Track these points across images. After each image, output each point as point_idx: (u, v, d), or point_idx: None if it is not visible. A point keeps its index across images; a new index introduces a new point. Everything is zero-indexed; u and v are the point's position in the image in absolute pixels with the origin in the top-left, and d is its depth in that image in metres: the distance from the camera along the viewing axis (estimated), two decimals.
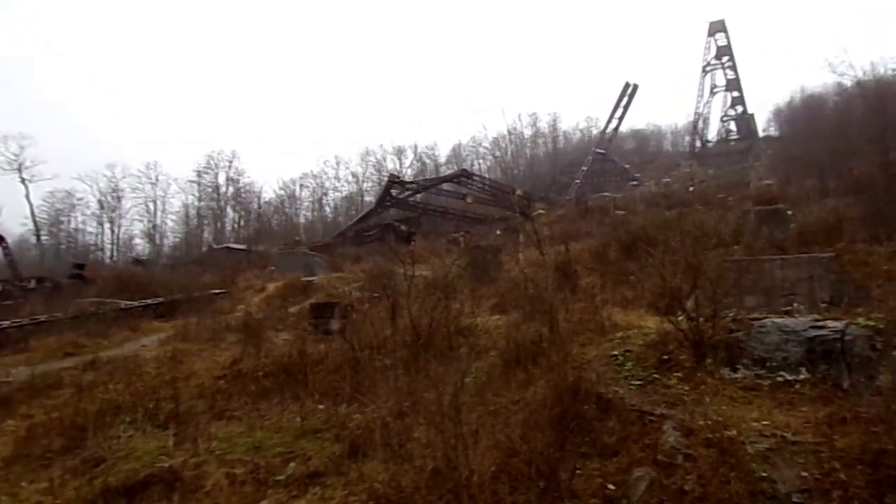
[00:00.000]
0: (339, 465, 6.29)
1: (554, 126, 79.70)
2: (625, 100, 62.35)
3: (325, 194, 70.44)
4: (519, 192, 41.45)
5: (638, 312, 9.59)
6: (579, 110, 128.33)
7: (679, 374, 6.41)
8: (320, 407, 8.12)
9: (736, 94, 63.64)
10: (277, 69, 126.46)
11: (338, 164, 69.98)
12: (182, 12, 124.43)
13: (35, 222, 54.22)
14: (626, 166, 62.72)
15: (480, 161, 75.26)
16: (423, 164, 72.47)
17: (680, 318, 7.05)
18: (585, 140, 75.50)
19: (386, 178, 51.00)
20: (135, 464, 7.17)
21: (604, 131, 65.74)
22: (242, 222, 64.89)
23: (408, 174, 63.64)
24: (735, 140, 63.69)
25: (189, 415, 8.64)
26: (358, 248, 36.31)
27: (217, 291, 23.86)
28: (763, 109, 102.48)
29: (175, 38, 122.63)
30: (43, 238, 55.72)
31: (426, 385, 6.60)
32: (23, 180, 52.32)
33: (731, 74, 63.46)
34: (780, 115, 64.73)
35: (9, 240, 38.70)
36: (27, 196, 52.99)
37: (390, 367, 8.40)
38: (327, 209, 70.35)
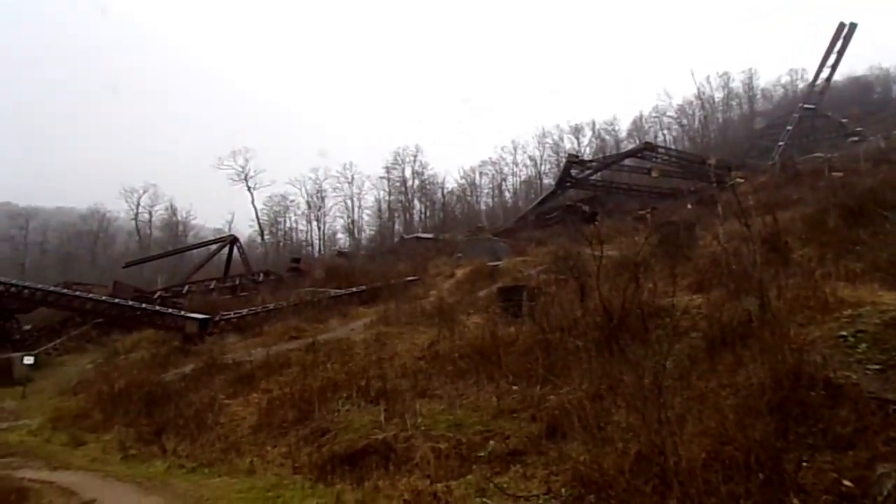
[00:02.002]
0: (537, 445, 6.40)
1: (749, 84, 71.77)
2: (839, 44, 53.82)
3: (504, 180, 71.37)
4: (711, 160, 38.01)
5: (870, 287, 8.29)
6: (780, 64, 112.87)
7: None
8: (514, 388, 8.32)
9: None
10: (451, 63, 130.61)
11: (515, 148, 70.23)
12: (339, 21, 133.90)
13: (259, 224, 63.69)
14: (844, 120, 54.14)
15: (665, 132, 70.55)
16: (603, 140, 69.84)
17: None
18: (790, 96, 66.88)
19: (564, 159, 50.08)
20: (353, 435, 8.05)
21: (813, 83, 57.49)
22: (428, 213, 68.44)
23: (587, 153, 61.85)
24: None
25: (395, 392, 9.41)
26: (540, 232, 36.22)
27: (411, 278, 25.50)
28: None
29: (354, 45, 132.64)
30: (266, 237, 64.49)
31: (623, 367, 6.42)
32: (248, 188, 61.45)
33: None
34: None
35: (241, 240, 45.31)
36: (252, 202, 62.28)
37: (582, 349, 8.30)
38: (507, 195, 71.24)
